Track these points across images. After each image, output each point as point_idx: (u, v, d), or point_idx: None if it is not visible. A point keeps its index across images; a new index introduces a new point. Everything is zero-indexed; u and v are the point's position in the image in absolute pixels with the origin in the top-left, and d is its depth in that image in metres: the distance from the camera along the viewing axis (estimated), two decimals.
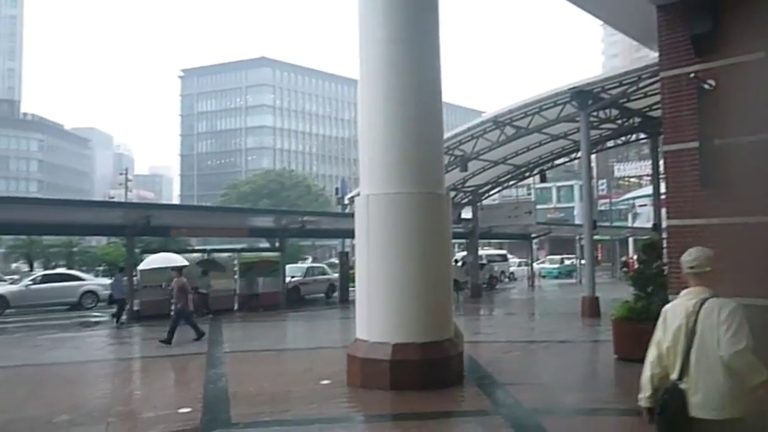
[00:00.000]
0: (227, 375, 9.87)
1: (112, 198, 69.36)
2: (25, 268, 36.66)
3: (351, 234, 22.49)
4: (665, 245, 9.40)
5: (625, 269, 34.59)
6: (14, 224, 20.73)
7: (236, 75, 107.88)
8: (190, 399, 8.13)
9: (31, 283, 23.39)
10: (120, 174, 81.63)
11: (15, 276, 29.93)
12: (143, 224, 18.95)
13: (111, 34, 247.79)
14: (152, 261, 18.44)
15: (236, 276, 22.46)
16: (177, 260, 16.90)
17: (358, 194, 9.67)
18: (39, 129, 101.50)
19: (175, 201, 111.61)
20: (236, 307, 21.79)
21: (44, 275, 24.60)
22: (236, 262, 22.80)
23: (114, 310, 18.32)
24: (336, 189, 38.54)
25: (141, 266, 19.61)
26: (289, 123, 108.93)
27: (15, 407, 8.13)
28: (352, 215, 10.20)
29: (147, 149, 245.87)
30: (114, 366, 11.98)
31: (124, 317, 18.22)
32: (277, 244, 23.72)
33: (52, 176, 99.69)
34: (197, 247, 31.92)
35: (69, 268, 29.69)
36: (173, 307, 14.11)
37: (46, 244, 34.94)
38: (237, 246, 27.20)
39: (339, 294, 24.94)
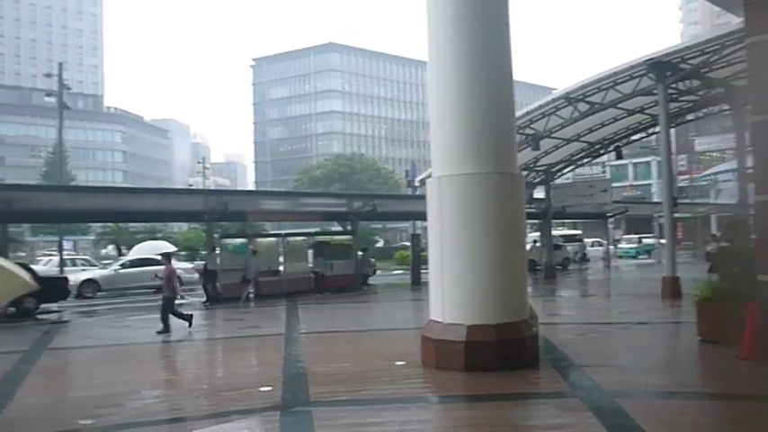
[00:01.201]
0: (305, 355, 10.16)
1: (191, 186, 72.13)
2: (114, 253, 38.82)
3: (422, 216, 22.50)
4: (752, 222, 8.94)
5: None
6: (103, 212, 21.97)
7: (304, 61, 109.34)
8: (270, 377, 8.42)
9: (119, 267, 24.71)
10: (198, 162, 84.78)
11: (107, 261, 31.65)
12: (221, 210, 19.68)
13: (185, 27, 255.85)
14: (140, 249, 17.31)
15: (310, 259, 22.96)
16: (164, 247, 15.80)
17: (429, 176, 9.67)
18: (121, 121, 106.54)
19: (250, 187, 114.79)
20: (311, 288, 22.31)
21: (132, 260, 25.93)
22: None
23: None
24: (406, 171, 38.65)
25: (130, 256, 19.50)
26: (357, 107, 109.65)
27: (107, 383, 8.67)
28: (423, 197, 10.20)
29: (222, 138, 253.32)
30: (197, 345, 12.57)
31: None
32: (349, 227, 24.08)
33: (135, 166, 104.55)
34: (272, 232, 32.87)
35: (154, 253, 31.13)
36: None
37: (132, 230, 36.79)
38: (311, 229, 27.77)
39: (411, 276, 25.09)
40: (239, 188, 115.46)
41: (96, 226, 40.38)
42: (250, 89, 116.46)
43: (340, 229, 25.52)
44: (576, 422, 6.24)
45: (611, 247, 37.70)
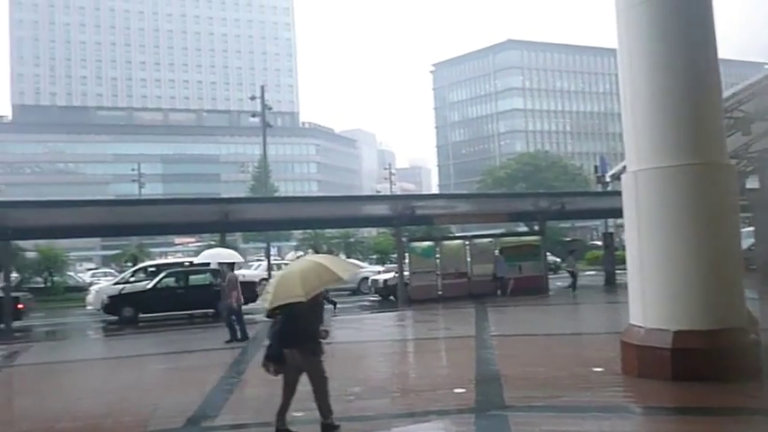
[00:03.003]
0: (497, 358, 10.08)
1: (379, 192, 75.30)
2: None
3: (615, 213, 21.32)
4: None
5: None
6: (303, 219, 23.79)
7: (483, 61, 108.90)
8: (463, 379, 8.48)
9: None
10: (384, 169, 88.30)
11: None
12: (409, 214, 20.27)
13: (366, 39, 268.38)
14: (204, 256, 16.92)
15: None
16: (228, 256, 15.24)
17: (621, 171, 9.12)
18: (315, 135, 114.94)
19: (434, 190, 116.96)
20: (498, 292, 22.09)
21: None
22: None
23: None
24: (595, 167, 36.62)
25: (196, 260, 19.42)
26: (540, 104, 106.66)
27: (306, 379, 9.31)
28: (615, 193, 9.64)
29: (406, 144, 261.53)
30: (391, 346, 13.05)
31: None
32: (536, 227, 23.46)
33: (328, 176, 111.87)
34: (458, 234, 33.16)
35: (348, 257, 32.98)
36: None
37: (327, 236, 39.32)
38: (496, 231, 27.52)
39: (605, 277, 23.76)
40: (424, 192, 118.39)
41: (297, 233, 43.76)
42: (431, 94, 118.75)
43: (526, 229, 24.95)
44: None
45: None
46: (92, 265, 53.85)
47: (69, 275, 32.45)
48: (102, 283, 24.48)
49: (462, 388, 7.97)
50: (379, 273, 25.05)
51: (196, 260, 19.77)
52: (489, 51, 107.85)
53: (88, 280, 32.25)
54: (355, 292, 25.50)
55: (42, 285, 28.43)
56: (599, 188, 31.89)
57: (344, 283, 18.06)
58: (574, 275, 22.94)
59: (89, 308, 21.41)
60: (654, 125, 8.03)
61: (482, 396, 7.58)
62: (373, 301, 22.80)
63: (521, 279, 22.03)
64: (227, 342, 13.30)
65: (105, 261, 60.59)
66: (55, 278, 29.27)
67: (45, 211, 17.99)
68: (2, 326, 17.10)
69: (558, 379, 8.28)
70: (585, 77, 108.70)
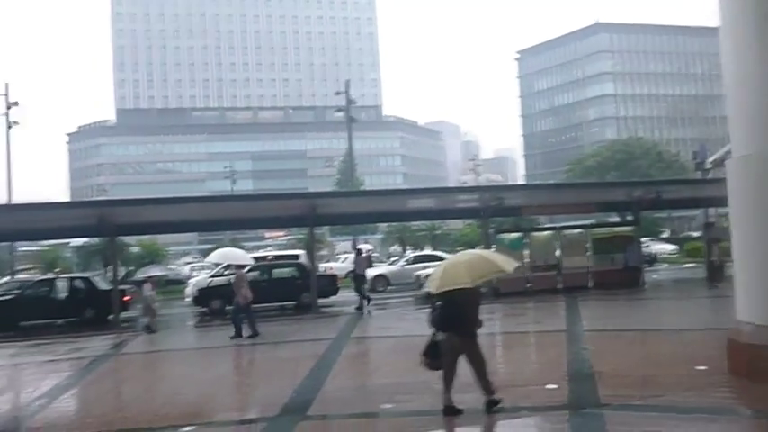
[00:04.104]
0: (590, 354, 9.74)
1: (464, 183, 74.66)
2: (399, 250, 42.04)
3: (716, 202, 20.02)
4: None
5: None
6: (389, 212, 23.94)
7: (570, 47, 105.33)
8: (555, 375, 8.24)
9: (405, 263, 26.63)
10: (470, 160, 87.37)
11: (394, 258, 34.40)
12: (496, 205, 19.94)
13: (448, 29, 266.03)
14: (216, 255, 17.02)
15: (588, 253, 21.98)
16: (240, 257, 15.49)
17: (725, 157, 8.54)
18: (398, 128, 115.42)
19: (520, 181, 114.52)
20: (590, 284, 21.35)
21: (415, 256, 27.75)
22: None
23: None
24: (694, 153, 34.55)
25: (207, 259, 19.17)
26: (631, 88, 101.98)
27: (403, 372, 9.35)
28: (716, 181, 9.04)
29: (491, 134, 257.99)
30: (480, 340, 12.87)
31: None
32: (628, 218, 22.47)
33: (412, 168, 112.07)
34: (546, 225, 32.35)
35: (434, 249, 32.93)
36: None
37: (414, 229, 39.37)
38: (587, 221, 26.63)
39: (706, 270, 22.43)
40: (510, 183, 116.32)
41: (383, 226, 44.11)
42: (516, 82, 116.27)
43: (617, 220, 23.95)
44: None
45: None
46: (189, 259, 56.53)
47: (170, 268, 34.22)
48: (199, 276, 25.61)
49: (554, 384, 7.76)
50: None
51: (207, 259, 20.20)
52: (576, 36, 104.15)
53: (187, 273, 33.86)
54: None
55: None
56: (698, 175, 30.13)
57: (507, 275, 18.13)
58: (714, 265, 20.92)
59: (187, 299, 22.48)
60: (762, 106, 7.44)
61: (575, 393, 7.34)
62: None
63: (613, 272, 21.22)
64: (232, 338, 13.64)
65: (203, 254, 63.58)
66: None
67: (147, 208, 19.08)
68: (111, 317, 18.28)
69: (657, 377, 7.89)
70: (681, 59, 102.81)
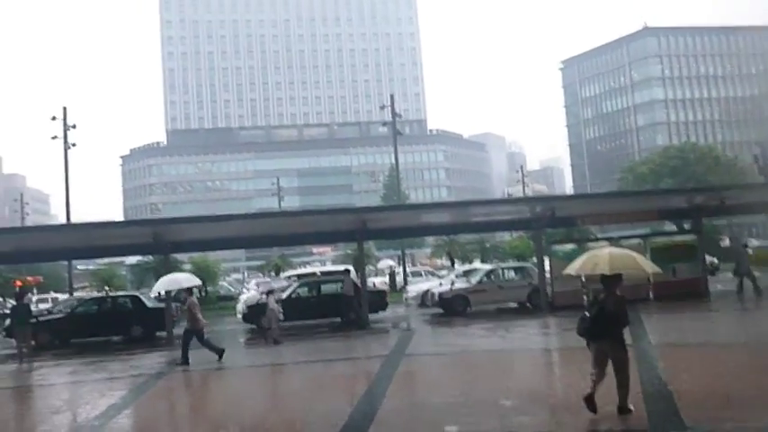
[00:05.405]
0: (663, 370, 9.16)
1: (510, 195, 73.65)
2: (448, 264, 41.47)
3: None
4: None
5: None
6: (437, 225, 23.60)
7: (617, 53, 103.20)
8: (630, 395, 7.71)
9: (455, 278, 26.08)
10: (516, 172, 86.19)
11: (443, 272, 33.88)
12: (548, 216, 19.37)
13: (488, 43, 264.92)
14: (162, 283, 15.94)
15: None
16: (185, 281, 15.03)
17: None
18: (442, 141, 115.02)
19: (567, 191, 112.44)
20: (650, 296, 20.45)
21: (465, 271, 27.25)
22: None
23: None
24: (755, 156, 33.25)
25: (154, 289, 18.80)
26: (682, 93, 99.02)
27: (464, 389, 8.99)
28: None
29: (535, 145, 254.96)
30: (539, 355, 12.35)
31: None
32: (686, 226, 21.51)
33: (457, 181, 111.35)
34: (599, 236, 31.39)
35: (483, 262, 32.33)
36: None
37: (462, 241, 38.80)
38: (642, 231, 25.68)
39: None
40: (557, 193, 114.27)
41: (430, 239, 43.66)
42: (560, 92, 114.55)
43: (674, 229, 22.96)
44: None
45: None
46: (238, 276, 57.24)
47: (221, 285, 34.56)
48: (250, 293, 25.68)
49: (630, 405, 7.23)
50: (440, 285, 23.05)
51: (153, 289, 19.44)
52: (623, 42, 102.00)
53: (238, 290, 34.13)
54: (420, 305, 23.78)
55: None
56: (762, 179, 28.82)
57: (645, 278, 17.21)
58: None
59: (238, 316, 22.54)
60: None
61: (655, 415, 6.83)
62: (512, 306, 21.90)
63: (675, 282, 20.30)
64: (178, 365, 13.22)
65: (250, 271, 64.32)
66: (208, 288, 31.22)
67: (200, 225, 19.24)
68: (158, 333, 18.39)
69: (744, 396, 7.30)
70: (734, 60, 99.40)
